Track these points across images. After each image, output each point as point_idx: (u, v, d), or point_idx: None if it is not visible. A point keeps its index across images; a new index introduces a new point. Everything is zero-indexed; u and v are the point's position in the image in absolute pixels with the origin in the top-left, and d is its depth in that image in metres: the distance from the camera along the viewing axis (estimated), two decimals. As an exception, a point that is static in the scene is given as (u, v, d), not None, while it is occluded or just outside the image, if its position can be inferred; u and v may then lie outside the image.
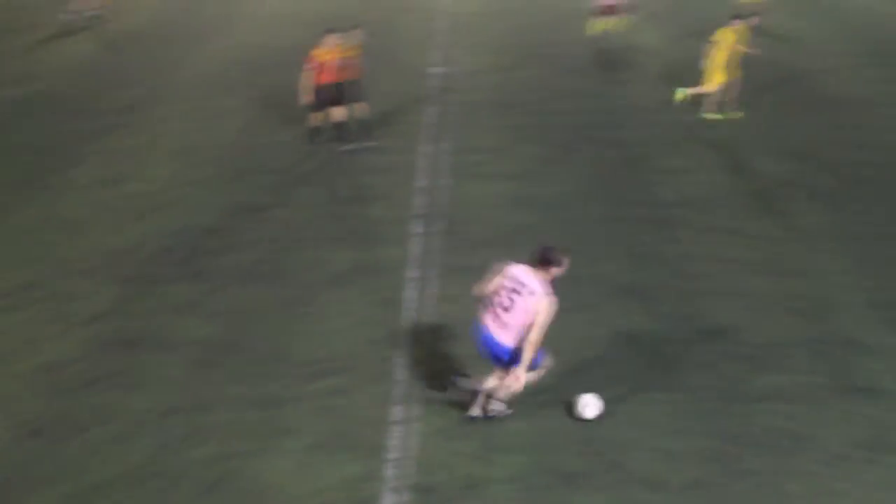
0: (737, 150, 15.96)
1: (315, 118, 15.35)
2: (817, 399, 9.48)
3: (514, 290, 8.17)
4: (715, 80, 17.03)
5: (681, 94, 17.74)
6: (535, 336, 7.99)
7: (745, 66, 17.16)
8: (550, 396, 9.25)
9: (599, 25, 22.17)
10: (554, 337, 10.15)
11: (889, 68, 21.32)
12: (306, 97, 15.05)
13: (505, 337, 8.23)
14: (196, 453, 8.54)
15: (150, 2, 27.66)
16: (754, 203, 13.93)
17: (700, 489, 8.23)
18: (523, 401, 9.16)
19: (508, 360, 8.31)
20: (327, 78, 14.87)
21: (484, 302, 8.54)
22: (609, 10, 21.83)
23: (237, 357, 9.98)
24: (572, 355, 9.90)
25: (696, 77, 17.54)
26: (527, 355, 8.10)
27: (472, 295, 8.93)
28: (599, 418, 9.00)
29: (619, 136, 16.35)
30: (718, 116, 17.41)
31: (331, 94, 15.05)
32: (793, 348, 10.34)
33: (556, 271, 8.27)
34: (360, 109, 15.59)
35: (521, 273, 8.24)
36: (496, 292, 8.35)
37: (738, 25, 16.91)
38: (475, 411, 8.93)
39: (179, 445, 8.64)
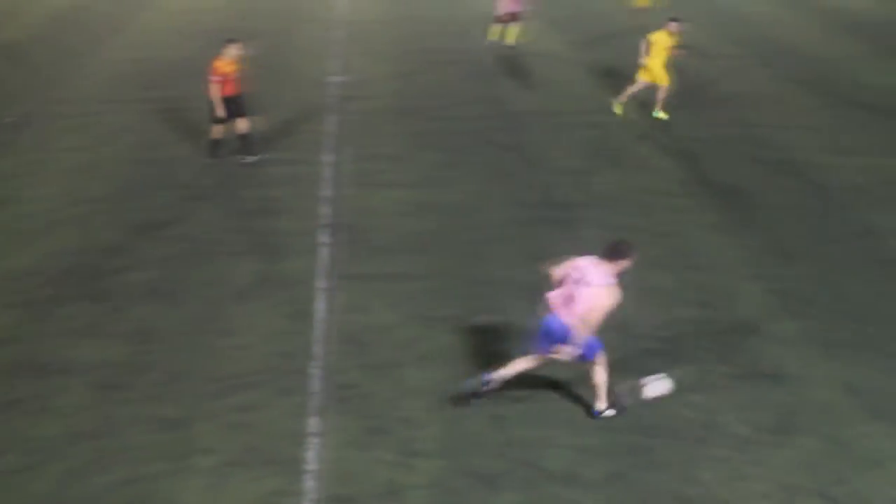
0: (636, 149, 16.31)
1: (217, 131, 15.02)
2: (725, 387, 9.75)
3: (579, 281, 8.55)
4: (663, 77, 17.61)
5: (618, 108, 18.18)
6: (593, 317, 8.38)
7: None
8: (464, 402, 9.27)
9: (501, 32, 22.47)
10: (465, 342, 10.28)
11: (772, 67, 22.14)
12: (219, 110, 14.63)
13: (568, 319, 8.55)
14: (105, 479, 8.25)
15: (32, 15, 26.64)
16: (655, 200, 14.27)
17: (616, 482, 8.35)
18: (441, 406, 9.19)
19: (561, 341, 8.61)
20: (230, 90, 14.59)
21: (550, 289, 8.84)
22: (511, 17, 22.19)
23: (144, 377, 9.69)
24: (486, 358, 9.94)
25: (592, 82, 17.90)
26: (580, 332, 8.46)
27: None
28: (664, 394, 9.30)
29: (518, 140, 16.53)
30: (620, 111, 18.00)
31: (235, 106, 14.77)
32: (699, 339, 10.60)
33: (624, 264, 8.66)
34: (258, 121, 15.36)
35: (587, 265, 8.63)
36: (562, 282, 8.71)
37: (674, 28, 17.43)
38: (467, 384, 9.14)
39: (87, 471, 8.33)
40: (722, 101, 19.33)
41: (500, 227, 13.13)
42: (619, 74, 20.39)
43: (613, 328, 10.52)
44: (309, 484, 8.20)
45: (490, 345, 10.24)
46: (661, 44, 17.29)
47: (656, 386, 9.26)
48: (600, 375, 9.02)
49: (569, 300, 8.59)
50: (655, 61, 17.39)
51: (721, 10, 28.40)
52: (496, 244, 12.61)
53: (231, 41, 14.63)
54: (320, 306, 11.01)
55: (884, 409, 9.62)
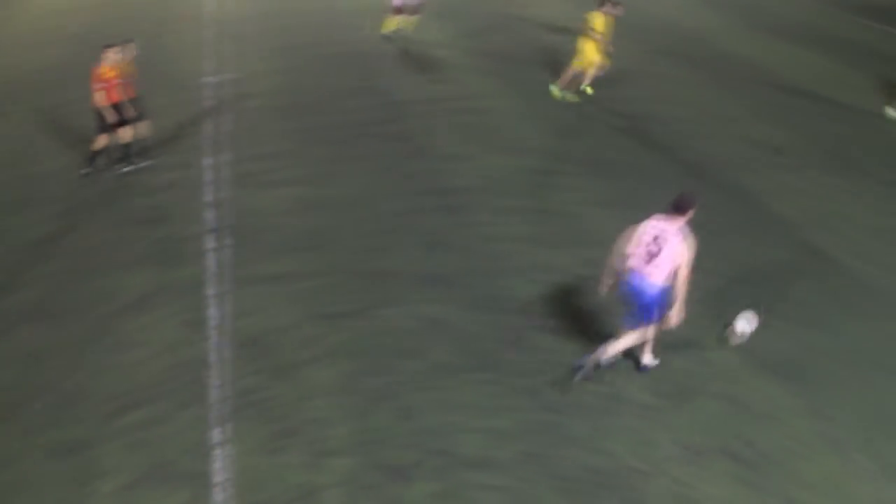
0: (520, 131, 16.46)
1: (102, 140, 14.44)
2: (626, 359, 9.95)
3: (658, 239, 9.03)
4: (593, 60, 17.90)
5: (556, 92, 18.39)
6: (684, 273, 8.89)
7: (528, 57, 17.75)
8: (370, 396, 9.24)
9: (393, 24, 22.36)
10: (365, 333, 10.24)
11: (643, 43, 22.70)
12: (109, 117, 14.03)
13: (657, 277, 8.99)
14: (1, 513, 7.91)
15: None
16: (542, 180, 14.44)
17: (529, 461, 8.45)
18: (347, 402, 9.12)
19: (652, 304, 9.10)
20: (114, 97, 14.03)
21: (627, 258, 9.25)
22: (401, 9, 22.08)
23: (35, 403, 9.29)
24: (386, 350, 9.93)
25: (474, 69, 17.98)
26: (681, 291, 8.94)
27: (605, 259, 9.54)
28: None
29: (404, 129, 16.48)
30: (572, 96, 18.38)
31: (121, 113, 14.23)
32: (594, 314, 10.79)
33: (690, 214, 9.11)
34: (143, 128, 14.86)
35: (660, 224, 9.14)
36: (639, 246, 9.14)
37: (608, 9, 17.69)
38: (579, 361, 9.52)
39: (-19, 507, 7.97)
40: (598, 77, 19.67)
41: (390, 218, 13.07)
42: (502, 61, 20.60)
43: (514, 311, 10.72)
44: (218, 496, 8.03)
45: (390, 336, 10.22)
46: (596, 26, 17.58)
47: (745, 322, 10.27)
48: (634, 340, 9.52)
49: (652, 262, 9.03)
50: (586, 43, 17.75)
51: None
52: (388, 235, 12.56)
53: (109, 46, 14.06)
54: (214, 313, 10.76)
55: (775, 365, 10.01)
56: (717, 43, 23.11)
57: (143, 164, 14.77)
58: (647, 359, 9.81)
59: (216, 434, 8.76)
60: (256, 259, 11.97)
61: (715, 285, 11.55)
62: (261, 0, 27.67)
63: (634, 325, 9.36)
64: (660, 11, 26.43)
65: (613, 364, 9.68)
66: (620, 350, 9.50)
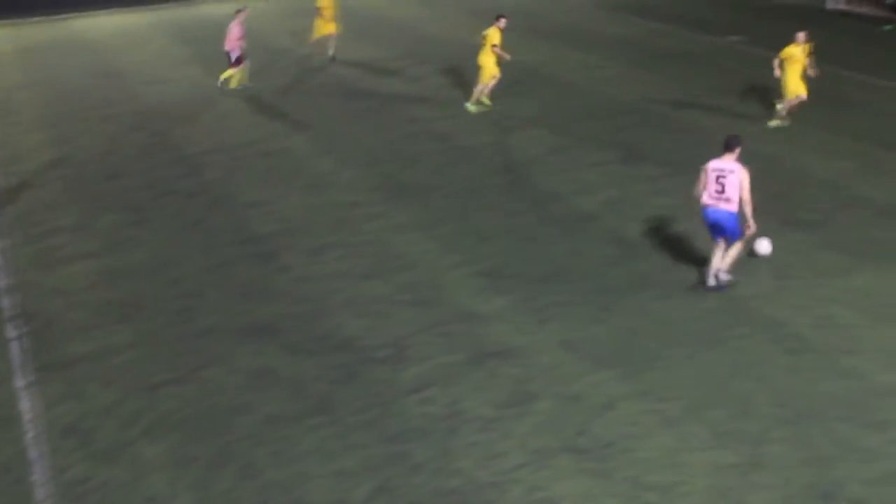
0: (316, 168, 16.33)
1: None
2: (458, 375, 10.03)
3: (721, 176, 11.18)
4: (488, 73, 19.02)
5: (472, 108, 19.40)
6: (747, 196, 11.11)
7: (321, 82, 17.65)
8: (208, 462, 8.84)
9: (233, 74, 21.62)
10: (191, 398, 9.80)
11: (428, 65, 23.18)
12: None
13: (730, 207, 11.15)
14: None
15: None
16: (347, 213, 14.40)
17: (383, 496, 8.29)
18: (185, 474, 8.69)
19: (732, 227, 11.24)
20: None
21: (701, 194, 11.37)
22: (241, 60, 21.37)
23: None
24: (216, 411, 9.55)
25: (259, 113, 17.69)
26: (748, 210, 11.17)
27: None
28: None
29: (200, 183, 15.99)
30: (485, 103, 19.53)
31: None
32: (421, 336, 10.82)
33: (740, 150, 11.28)
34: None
35: (719, 163, 11.29)
36: (709, 184, 11.28)
37: (502, 24, 18.86)
38: (711, 281, 11.60)
39: None
40: (385, 103, 19.89)
41: (201, 275, 12.62)
42: (292, 100, 20.44)
43: (342, 348, 10.58)
44: None
45: (218, 396, 9.83)
46: (492, 40, 18.79)
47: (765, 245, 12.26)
48: (737, 251, 11.51)
49: (722, 196, 11.18)
50: (487, 57, 18.84)
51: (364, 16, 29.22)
52: (201, 293, 12.11)
53: None
54: (26, 405, 10.00)
55: (602, 357, 10.35)
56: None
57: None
58: (725, 276, 11.61)
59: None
60: (65, 340, 11.23)
61: (530, 287, 11.86)
62: (23, 70, 26.15)
63: (727, 244, 11.41)
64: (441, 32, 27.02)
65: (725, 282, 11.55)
66: (730, 261, 11.51)
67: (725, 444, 8.90)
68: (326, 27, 23.45)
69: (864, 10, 30.32)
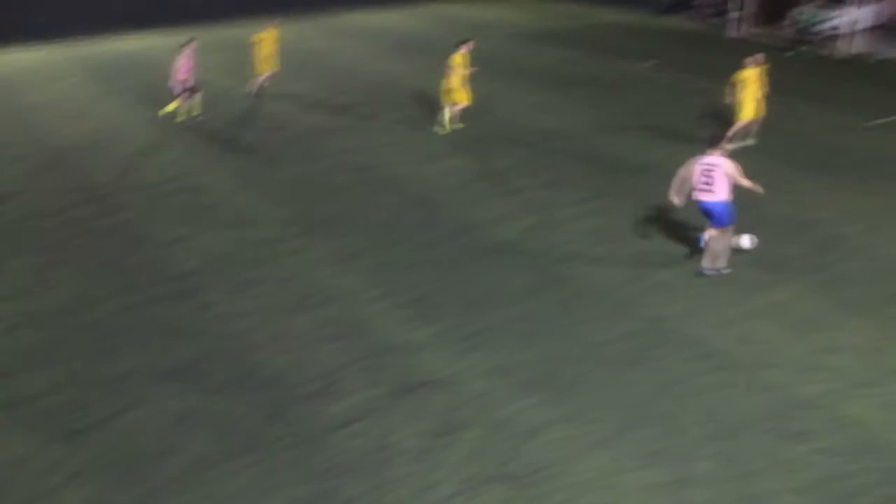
0: (235, 203, 16.11)
1: None
2: (387, 407, 9.95)
3: (709, 170, 12.46)
4: (461, 98, 19.79)
5: (443, 129, 20.09)
6: (743, 181, 12.51)
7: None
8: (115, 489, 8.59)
9: (172, 107, 21.21)
10: (112, 443, 9.53)
11: (345, 97, 23.16)
12: None
13: (716, 197, 12.47)
14: None
15: None
16: (268, 249, 14.20)
17: (314, 534, 8.18)
18: None
19: (719, 214, 12.57)
20: None
21: (690, 188, 12.68)
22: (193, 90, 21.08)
23: None
24: (139, 456, 9.29)
25: (174, 149, 17.35)
26: (747, 183, 12.59)
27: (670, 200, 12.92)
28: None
29: (117, 221, 15.55)
30: (449, 129, 20.10)
31: None
32: (348, 370, 10.72)
33: (722, 144, 12.70)
34: None
35: (705, 159, 12.54)
36: (697, 179, 12.57)
37: (464, 50, 19.66)
38: (705, 263, 13.03)
39: None
40: (304, 137, 19.78)
41: (120, 316, 12.26)
42: (207, 137, 20.16)
43: (267, 385, 10.42)
44: None
45: (140, 441, 9.57)
46: (457, 65, 19.47)
47: (746, 240, 13.11)
48: (727, 239, 12.83)
49: (710, 188, 12.46)
50: (455, 81, 19.60)
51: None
52: (120, 335, 11.76)
53: None
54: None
55: (529, 382, 10.41)
56: (405, 86, 24.03)
57: None
58: (746, 242, 13.09)
59: None
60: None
61: (454, 316, 11.87)
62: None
63: (718, 228, 12.69)
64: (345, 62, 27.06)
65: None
66: (728, 244, 12.92)
67: (655, 462, 9.00)
68: (266, 64, 23.12)
69: (761, 37, 31.61)
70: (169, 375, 10.75)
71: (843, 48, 29.21)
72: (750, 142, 18.85)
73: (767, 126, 19.30)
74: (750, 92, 18.37)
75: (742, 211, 12.84)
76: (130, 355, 11.23)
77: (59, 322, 12.17)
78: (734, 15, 32.36)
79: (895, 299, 12.46)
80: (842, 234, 14.58)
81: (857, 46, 29.45)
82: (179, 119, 21.18)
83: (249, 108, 22.44)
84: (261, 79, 23.33)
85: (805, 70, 26.50)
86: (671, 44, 30.56)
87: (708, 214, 12.68)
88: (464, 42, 20.02)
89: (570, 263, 13.45)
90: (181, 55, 20.76)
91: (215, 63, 27.48)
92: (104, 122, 21.43)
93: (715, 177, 12.38)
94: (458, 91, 19.81)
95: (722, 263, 12.99)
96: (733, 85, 18.53)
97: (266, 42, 23.00)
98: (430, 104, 21.97)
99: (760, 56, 18.68)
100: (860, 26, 29.29)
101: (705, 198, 12.56)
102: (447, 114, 20.19)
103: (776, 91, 19.95)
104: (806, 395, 10.15)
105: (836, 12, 31.02)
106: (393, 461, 9.08)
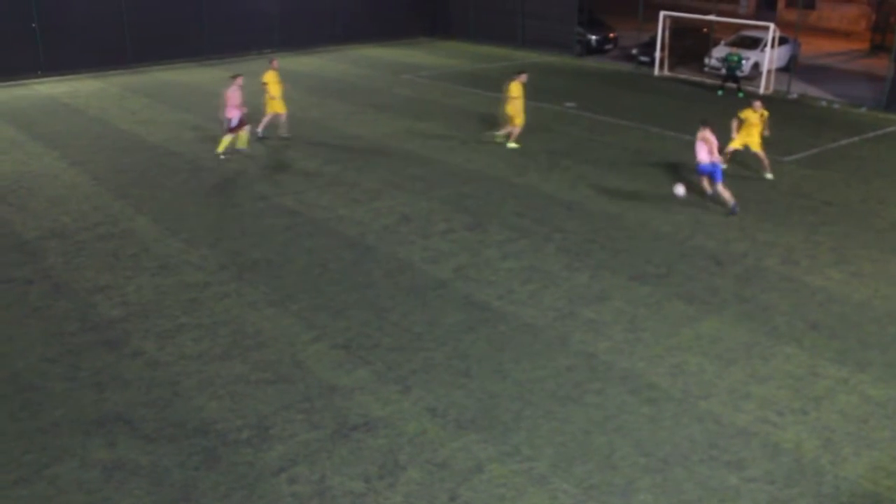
0: (161, 248, 15.83)
1: None
2: (323, 451, 9.83)
3: (703, 141, 17.61)
4: (518, 121, 22.28)
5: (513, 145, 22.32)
6: (715, 146, 17.66)
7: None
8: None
9: (232, 141, 21.42)
10: (36, 499, 9.20)
11: (272, 140, 23.06)
12: None
13: (706, 159, 17.68)
14: None
15: None
16: (198, 294, 13.96)
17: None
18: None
19: (710, 171, 17.78)
20: None
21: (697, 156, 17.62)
22: (240, 124, 21.31)
23: None
24: (72, 509, 8.99)
25: (96, 195, 16.86)
26: (716, 150, 17.85)
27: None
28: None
29: (37, 269, 15.12)
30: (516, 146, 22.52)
31: None
32: (284, 413, 10.57)
33: (707, 126, 17.84)
34: None
35: (701, 134, 17.62)
36: (698, 146, 17.74)
37: (522, 79, 21.96)
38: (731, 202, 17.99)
39: None
40: (230, 181, 19.62)
41: (43, 367, 11.86)
42: (132, 181, 19.82)
43: (200, 432, 10.17)
44: None
45: (67, 496, 9.25)
46: (513, 93, 21.98)
47: (680, 188, 17.65)
48: (723, 190, 17.79)
49: (703, 153, 17.65)
50: (512, 107, 22.21)
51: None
52: (44, 386, 11.37)
53: None
54: None
55: (466, 421, 10.39)
56: (339, 126, 24.05)
57: None
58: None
59: None
60: None
61: (388, 357, 11.82)
62: None
63: (711, 184, 17.97)
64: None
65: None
66: (721, 194, 17.78)
67: (595, 497, 9.05)
68: (274, 105, 22.85)
69: (686, 76, 32.62)
70: (98, 426, 10.45)
71: (761, 88, 30.29)
72: (768, 176, 20.36)
73: (688, 161, 19.80)
74: (748, 131, 19.93)
75: (667, 245, 13.10)
76: (56, 406, 10.88)
77: (-20, 375, 11.74)
78: (658, 56, 33.31)
79: (818, 327, 12.83)
80: (763, 267, 14.99)
81: (772, 86, 30.55)
82: (241, 146, 21.67)
83: (169, 152, 22.16)
84: (274, 118, 23.21)
85: (732, 105, 27.31)
86: (600, 83, 31.22)
87: (703, 172, 17.96)
88: (518, 73, 22.33)
89: (500, 302, 13.53)
90: (229, 89, 20.96)
91: (137, 107, 27.18)
92: (23, 167, 20.91)
93: (704, 145, 17.52)
94: (516, 115, 22.22)
95: (731, 201, 17.76)
96: (740, 122, 20.04)
97: (272, 85, 22.72)
98: (353, 150, 22.04)
99: (758, 103, 20.03)
100: (768, 68, 30.43)
101: (701, 161, 17.71)
102: (502, 132, 22.90)
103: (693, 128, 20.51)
104: (738, 424, 10.34)
105: (748, 53, 32.20)
106: (332, 505, 8.96)
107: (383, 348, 12.14)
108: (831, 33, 48.52)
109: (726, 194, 17.63)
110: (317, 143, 22.91)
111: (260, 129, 23.12)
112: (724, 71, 30.24)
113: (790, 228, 16.90)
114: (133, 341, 12.46)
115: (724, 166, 18.16)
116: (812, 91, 31.09)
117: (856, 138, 24.45)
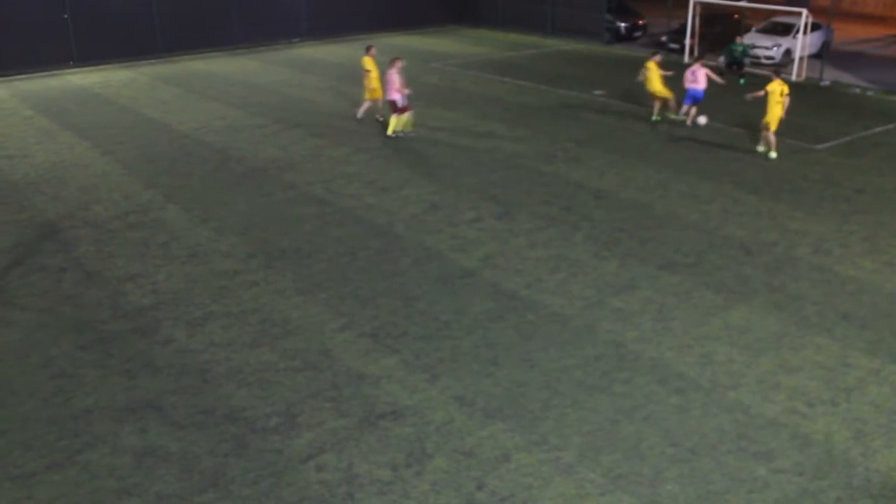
0: (192, 237, 15.97)
1: None
2: (351, 439, 9.88)
3: (695, 71, 22.20)
4: (665, 94, 23.51)
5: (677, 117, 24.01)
6: (705, 76, 22.34)
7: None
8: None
9: (399, 123, 22.31)
10: (71, 483, 9.33)
11: (302, 128, 23.13)
12: None
13: (700, 85, 22.18)
14: None
15: None
16: (228, 282, 14.07)
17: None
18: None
19: (698, 96, 22.40)
20: None
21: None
22: (405, 108, 22.11)
23: None
24: (100, 496, 9.10)
25: (128, 185, 17.02)
26: (717, 79, 22.97)
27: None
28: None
29: (69, 257, 15.29)
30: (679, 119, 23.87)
31: None
32: (313, 401, 10.63)
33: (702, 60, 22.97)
34: None
35: (691, 68, 22.40)
36: (687, 75, 22.38)
37: (657, 59, 23.38)
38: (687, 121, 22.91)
39: None
40: (259, 170, 19.72)
41: (75, 354, 12.02)
42: (161, 170, 19.98)
43: (230, 419, 10.26)
44: None
45: (101, 480, 9.37)
46: (655, 71, 23.43)
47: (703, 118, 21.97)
48: (700, 115, 22.36)
49: (695, 82, 22.13)
50: (657, 84, 23.38)
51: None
52: (76, 373, 11.53)
53: None
54: None
55: (493, 410, 10.40)
56: (323, 108, 24.13)
57: None
58: (703, 119, 22.18)
59: None
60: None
61: (416, 345, 11.85)
62: None
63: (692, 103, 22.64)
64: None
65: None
66: (691, 115, 22.79)
67: (622, 486, 9.04)
68: (372, 92, 23.55)
69: (715, 63, 32.24)
70: (129, 413, 10.58)
71: (793, 74, 29.91)
72: (772, 155, 20.70)
73: (720, 151, 19.63)
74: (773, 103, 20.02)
75: (696, 234, 13.01)
76: (88, 393, 11.03)
77: (13, 361, 11.90)
78: (688, 43, 33.00)
79: (849, 317, 12.70)
80: (793, 256, 14.85)
81: (804, 73, 30.16)
82: (408, 130, 22.49)
83: (199, 141, 22.31)
84: (373, 103, 23.88)
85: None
86: (623, 72, 31.02)
87: (693, 97, 22.46)
88: (654, 54, 23.75)
89: (528, 291, 13.52)
90: (391, 70, 21.54)
91: (168, 97, 27.39)
92: (57, 157, 21.14)
93: (699, 75, 22.13)
94: (662, 90, 23.33)
95: (703, 121, 22.33)
96: (766, 93, 20.14)
97: (371, 71, 23.32)
98: (383, 136, 22.09)
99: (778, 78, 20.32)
100: (800, 54, 29.99)
101: (693, 87, 22.41)
102: (658, 107, 23.89)
103: (722, 116, 20.33)
104: (767, 415, 10.27)
105: (770, 42, 31.83)
106: (359, 493, 9.00)
107: (411, 337, 12.18)
108: (866, 18, 47.84)
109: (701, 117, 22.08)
110: (346, 132, 22.96)
111: (360, 113, 24.07)
112: (723, 59, 29.77)
113: (821, 217, 16.72)
114: (163, 329, 12.59)
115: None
116: (845, 78, 30.69)
117: (890, 126, 24.12)
